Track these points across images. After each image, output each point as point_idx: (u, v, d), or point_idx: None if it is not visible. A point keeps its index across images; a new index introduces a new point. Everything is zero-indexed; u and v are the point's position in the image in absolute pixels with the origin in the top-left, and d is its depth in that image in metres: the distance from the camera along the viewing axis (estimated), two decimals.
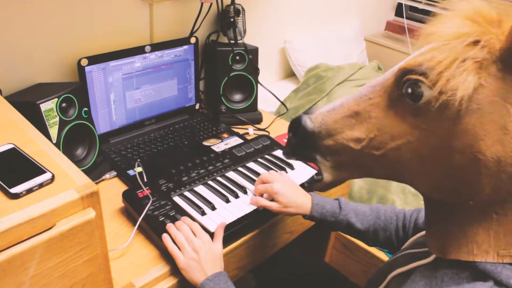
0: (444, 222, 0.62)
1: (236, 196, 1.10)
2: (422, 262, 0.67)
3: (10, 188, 0.64)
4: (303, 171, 1.23)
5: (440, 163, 0.57)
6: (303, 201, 1.02)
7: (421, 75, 0.56)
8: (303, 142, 0.74)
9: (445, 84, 0.53)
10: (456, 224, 0.59)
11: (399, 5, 2.78)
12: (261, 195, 1.07)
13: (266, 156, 1.29)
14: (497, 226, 0.56)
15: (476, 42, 0.53)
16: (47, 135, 1.04)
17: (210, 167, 1.20)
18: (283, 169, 1.24)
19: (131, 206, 1.03)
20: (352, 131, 0.66)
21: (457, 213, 0.60)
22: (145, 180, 1.11)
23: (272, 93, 1.66)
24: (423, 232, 0.79)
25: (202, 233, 0.94)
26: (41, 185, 0.67)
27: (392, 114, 0.61)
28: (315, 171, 1.21)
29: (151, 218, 0.99)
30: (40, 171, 0.69)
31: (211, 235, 0.95)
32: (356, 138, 0.66)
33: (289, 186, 1.04)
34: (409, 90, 0.58)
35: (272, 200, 1.04)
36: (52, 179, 0.68)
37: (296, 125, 0.74)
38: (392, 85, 0.62)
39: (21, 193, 0.64)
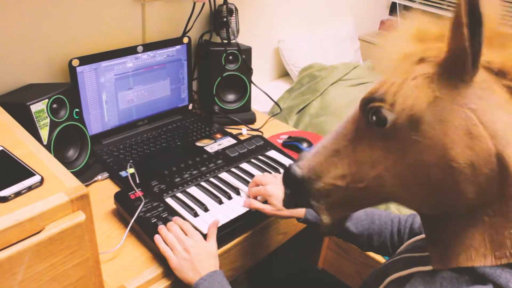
0: (442, 234, 0.62)
1: (229, 197, 1.10)
2: (422, 269, 0.67)
3: None
4: None
5: (421, 180, 0.58)
6: None
7: (379, 101, 0.59)
8: (296, 191, 0.76)
9: (402, 104, 0.55)
10: (453, 234, 0.60)
11: (393, 4, 2.78)
12: (255, 197, 1.07)
13: (260, 157, 1.28)
14: (490, 228, 0.57)
15: (422, 59, 0.56)
16: (37, 136, 1.03)
17: (203, 168, 1.19)
18: (276, 169, 1.23)
19: (123, 208, 1.02)
20: (336, 169, 0.68)
21: (451, 223, 0.60)
22: (138, 181, 1.11)
23: (265, 93, 1.66)
24: (421, 236, 0.79)
25: (194, 232, 0.93)
26: (30, 188, 0.66)
27: (365, 144, 0.64)
28: None
29: (143, 220, 0.98)
30: (29, 173, 0.68)
31: (205, 236, 0.94)
32: (340, 175, 0.67)
33: (282, 188, 1.03)
34: (374, 118, 0.60)
35: (266, 202, 1.03)
36: (41, 181, 0.67)
37: (287, 176, 0.77)
38: (359, 117, 0.64)
39: (10, 196, 0.64)
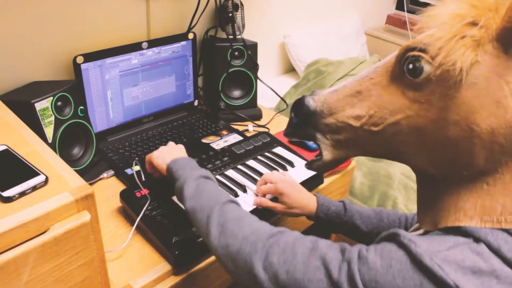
0: (437, 197, 0.64)
1: (236, 195, 1.09)
2: (414, 234, 0.67)
3: (2, 191, 0.63)
4: (303, 168, 1.22)
5: (437, 136, 0.60)
6: (308, 202, 1.00)
7: (421, 51, 0.60)
8: (304, 121, 0.76)
9: (444, 58, 0.57)
10: (449, 196, 0.62)
11: None
12: (263, 195, 1.06)
13: (266, 154, 1.27)
14: (485, 195, 0.59)
15: (473, 23, 0.57)
16: (42, 134, 1.02)
17: (209, 165, 1.18)
18: (283, 166, 1.22)
19: (129, 206, 1.01)
20: (353, 109, 0.69)
21: (450, 186, 0.62)
22: (143, 179, 1.10)
23: (271, 89, 1.64)
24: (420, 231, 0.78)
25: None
26: (34, 188, 0.65)
27: (392, 90, 0.65)
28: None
29: (149, 218, 0.98)
30: (33, 173, 0.67)
31: None
32: (356, 115, 0.69)
33: (293, 186, 1.02)
34: (410, 66, 0.61)
35: (275, 200, 1.02)
36: (46, 181, 0.66)
37: (298, 105, 0.77)
38: (394, 64, 0.65)
39: (14, 196, 0.63)
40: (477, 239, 0.56)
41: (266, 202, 1.03)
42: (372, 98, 0.67)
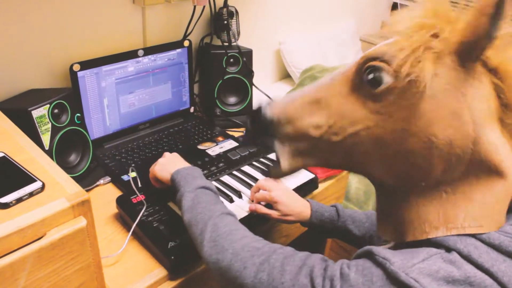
0: (398, 209, 0.64)
1: (231, 201, 1.10)
2: (385, 247, 0.67)
3: None
4: (296, 175, 1.22)
5: (397, 147, 0.60)
6: (302, 209, 1.02)
7: (382, 62, 0.60)
8: (261, 130, 0.75)
9: (405, 70, 0.57)
10: (409, 208, 0.63)
11: (395, 5, 2.77)
12: (258, 202, 1.07)
13: (261, 160, 1.28)
14: (446, 204, 0.60)
15: (435, 35, 0.58)
16: (39, 142, 1.03)
17: (205, 171, 1.19)
18: None
19: (125, 212, 1.02)
20: (312, 117, 0.68)
21: (409, 197, 0.63)
22: (139, 185, 1.11)
23: (267, 95, 1.65)
24: None
25: None
26: (31, 194, 0.66)
27: (352, 100, 0.64)
28: (313, 175, 1.22)
29: (146, 224, 0.98)
30: (30, 179, 0.68)
31: None
32: (315, 125, 0.67)
33: (288, 194, 1.03)
34: (370, 77, 0.61)
35: (270, 207, 1.03)
36: (43, 187, 0.67)
37: (255, 113, 0.75)
38: (354, 73, 0.65)
39: (11, 202, 0.64)
40: (448, 249, 0.58)
41: (261, 209, 1.04)
42: (331, 107, 0.66)
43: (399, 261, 0.56)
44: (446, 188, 0.60)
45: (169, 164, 0.98)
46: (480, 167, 0.58)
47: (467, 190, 0.59)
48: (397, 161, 0.61)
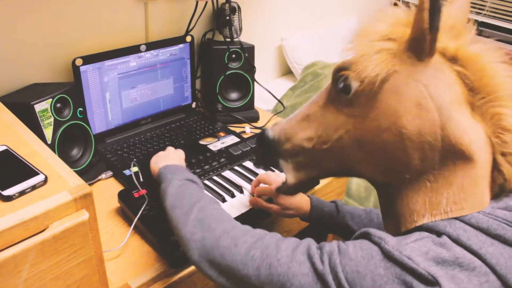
0: (393, 204, 0.68)
1: (233, 196, 1.10)
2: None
3: (2, 190, 0.64)
4: None
5: (375, 144, 0.66)
6: (302, 204, 1.02)
7: (347, 70, 0.67)
8: (267, 151, 0.84)
9: (365, 72, 0.64)
10: (401, 201, 0.66)
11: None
12: (259, 196, 1.07)
13: None
14: (430, 192, 0.63)
15: (390, 38, 0.64)
16: (41, 136, 1.03)
17: (206, 166, 1.19)
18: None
19: (127, 206, 1.02)
20: (304, 132, 0.76)
21: (400, 191, 0.66)
22: (141, 180, 1.11)
23: (268, 91, 1.66)
24: None
25: None
26: (34, 187, 0.66)
27: (332, 110, 0.72)
28: None
29: (147, 218, 0.99)
30: (33, 173, 0.68)
31: None
32: (307, 137, 0.76)
33: None
34: (341, 85, 0.68)
35: (271, 201, 1.04)
36: (45, 181, 0.68)
37: (261, 137, 0.86)
38: (331, 85, 0.72)
39: (14, 195, 0.64)
40: (438, 233, 0.60)
41: (262, 202, 1.04)
42: (318, 120, 0.74)
43: (393, 241, 0.59)
44: (429, 177, 0.63)
45: (163, 159, 0.99)
46: (455, 153, 0.61)
47: (447, 176, 0.62)
48: (379, 157, 0.66)
